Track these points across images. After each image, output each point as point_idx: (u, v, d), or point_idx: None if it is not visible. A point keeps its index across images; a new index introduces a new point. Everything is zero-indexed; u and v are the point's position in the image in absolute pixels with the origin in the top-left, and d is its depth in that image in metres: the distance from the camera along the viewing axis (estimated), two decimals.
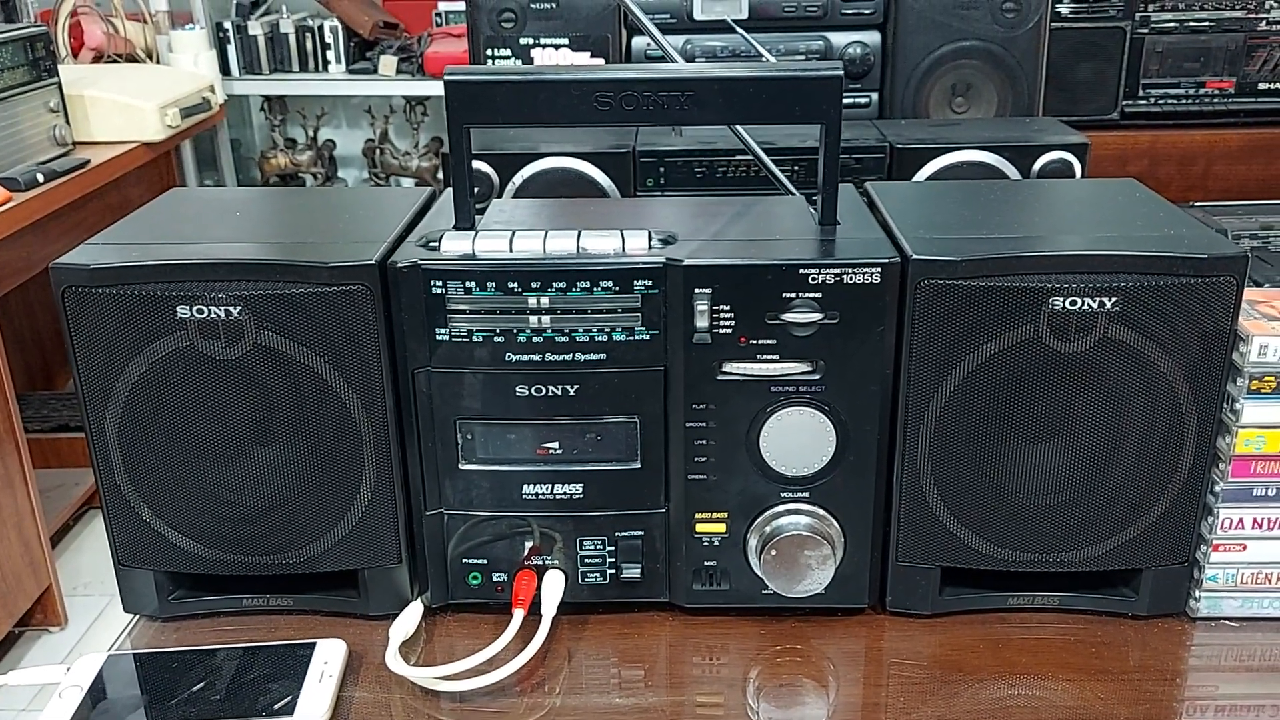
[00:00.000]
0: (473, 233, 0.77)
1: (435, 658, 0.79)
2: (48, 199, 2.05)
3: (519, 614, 0.79)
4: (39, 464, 2.14)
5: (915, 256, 0.73)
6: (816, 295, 0.74)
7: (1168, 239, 0.76)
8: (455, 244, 0.76)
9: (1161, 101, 2.34)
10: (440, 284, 0.74)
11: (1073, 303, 0.72)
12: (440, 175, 3.29)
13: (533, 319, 0.75)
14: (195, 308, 0.73)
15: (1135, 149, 2.36)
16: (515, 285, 0.74)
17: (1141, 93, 2.34)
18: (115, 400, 0.76)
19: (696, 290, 0.74)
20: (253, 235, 0.83)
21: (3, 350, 1.94)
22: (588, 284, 0.74)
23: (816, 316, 0.74)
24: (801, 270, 0.73)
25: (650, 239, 0.76)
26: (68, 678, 0.75)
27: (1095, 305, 0.72)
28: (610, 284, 0.74)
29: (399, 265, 0.74)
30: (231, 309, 0.73)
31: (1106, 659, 0.78)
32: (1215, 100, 2.35)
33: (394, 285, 0.74)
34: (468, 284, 0.74)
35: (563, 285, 0.74)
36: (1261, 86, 2.34)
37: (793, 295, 0.74)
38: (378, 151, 3.39)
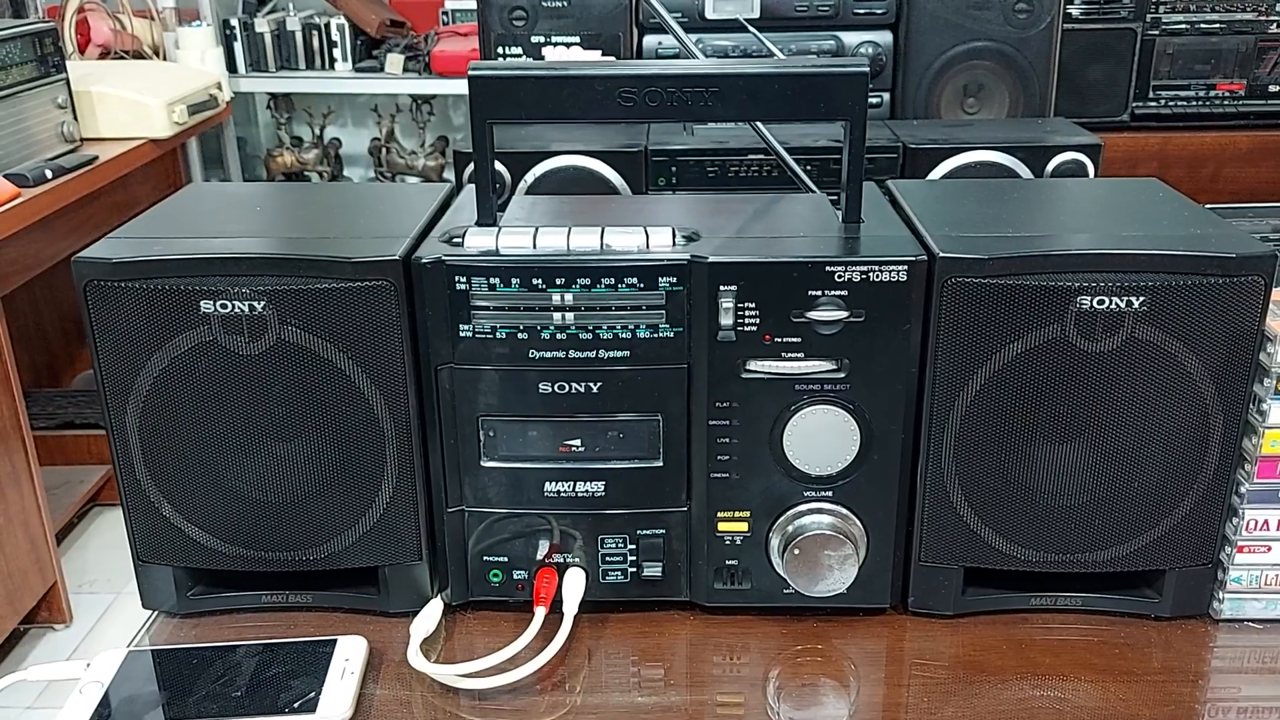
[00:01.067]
0: (495, 229, 0.77)
1: (456, 655, 0.78)
2: (55, 195, 2.04)
3: (540, 612, 0.78)
4: (45, 461, 2.13)
5: (942, 254, 0.73)
6: (842, 293, 0.73)
7: (1194, 238, 0.75)
8: (479, 240, 0.76)
9: (1172, 103, 2.34)
10: (464, 280, 0.74)
11: (1100, 302, 0.72)
12: (448, 174, 3.29)
13: (556, 315, 0.75)
14: (219, 302, 0.73)
15: (1145, 151, 2.35)
16: (539, 281, 0.74)
17: (1152, 94, 2.34)
18: (136, 395, 0.75)
19: (721, 287, 0.74)
20: (275, 230, 0.83)
21: (9, 347, 1.93)
22: (612, 281, 0.74)
23: (842, 314, 0.74)
24: (827, 268, 0.73)
25: (674, 236, 0.76)
26: (88, 673, 0.74)
27: (1122, 305, 0.72)
28: (634, 281, 0.74)
29: (423, 261, 0.74)
30: (255, 304, 0.73)
31: (1129, 660, 0.77)
32: (1225, 102, 2.35)
33: (418, 281, 0.74)
34: (491, 280, 0.74)
35: (586, 282, 0.74)
36: (1272, 89, 2.34)
37: (818, 293, 0.74)
38: (384, 150, 3.39)
